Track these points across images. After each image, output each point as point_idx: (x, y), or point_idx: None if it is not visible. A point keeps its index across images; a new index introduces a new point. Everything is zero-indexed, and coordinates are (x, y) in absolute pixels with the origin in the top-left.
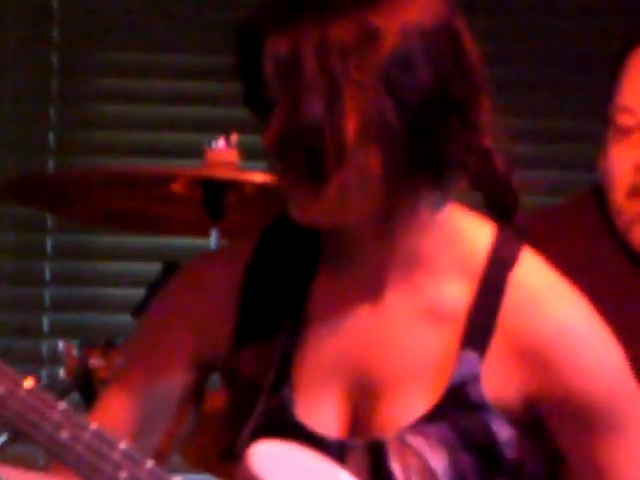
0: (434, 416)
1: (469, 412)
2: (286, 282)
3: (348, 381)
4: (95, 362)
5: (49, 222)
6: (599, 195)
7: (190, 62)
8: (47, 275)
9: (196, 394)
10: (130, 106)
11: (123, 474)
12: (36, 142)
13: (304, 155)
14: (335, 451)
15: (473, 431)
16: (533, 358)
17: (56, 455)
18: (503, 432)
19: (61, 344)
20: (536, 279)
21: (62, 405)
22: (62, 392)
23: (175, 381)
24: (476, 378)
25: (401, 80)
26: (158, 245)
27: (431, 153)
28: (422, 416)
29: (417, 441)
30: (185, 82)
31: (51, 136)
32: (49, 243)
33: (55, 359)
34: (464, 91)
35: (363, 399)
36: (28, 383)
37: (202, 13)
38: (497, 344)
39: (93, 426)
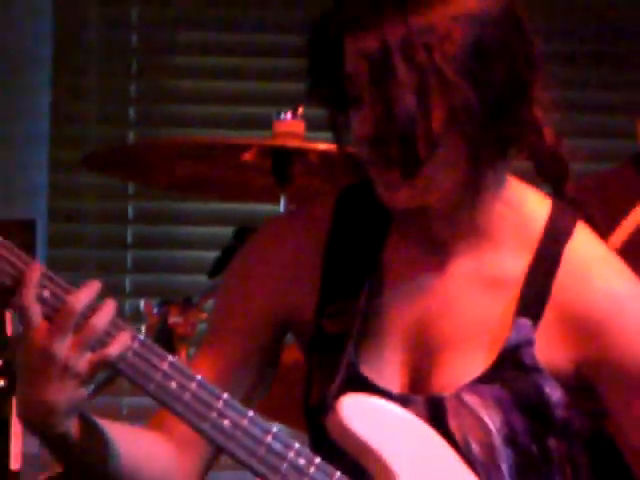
0: (490, 377)
1: (523, 374)
2: (363, 247)
3: (411, 340)
4: (174, 319)
5: (130, 190)
6: (639, 163)
7: (261, 41)
8: (129, 239)
9: (275, 354)
10: (205, 82)
11: (226, 421)
12: (117, 116)
13: (400, 146)
14: (397, 404)
15: (526, 392)
16: (587, 327)
17: (165, 403)
18: (554, 394)
19: (142, 303)
20: (589, 252)
21: (171, 357)
22: None
23: (257, 342)
24: (530, 343)
25: (479, 68)
26: (231, 210)
27: (502, 133)
28: (479, 376)
29: (473, 400)
30: (256, 59)
31: (131, 110)
32: (130, 209)
33: (137, 317)
34: (528, 72)
35: (423, 358)
36: (141, 337)
37: None
38: (551, 312)
39: (198, 377)
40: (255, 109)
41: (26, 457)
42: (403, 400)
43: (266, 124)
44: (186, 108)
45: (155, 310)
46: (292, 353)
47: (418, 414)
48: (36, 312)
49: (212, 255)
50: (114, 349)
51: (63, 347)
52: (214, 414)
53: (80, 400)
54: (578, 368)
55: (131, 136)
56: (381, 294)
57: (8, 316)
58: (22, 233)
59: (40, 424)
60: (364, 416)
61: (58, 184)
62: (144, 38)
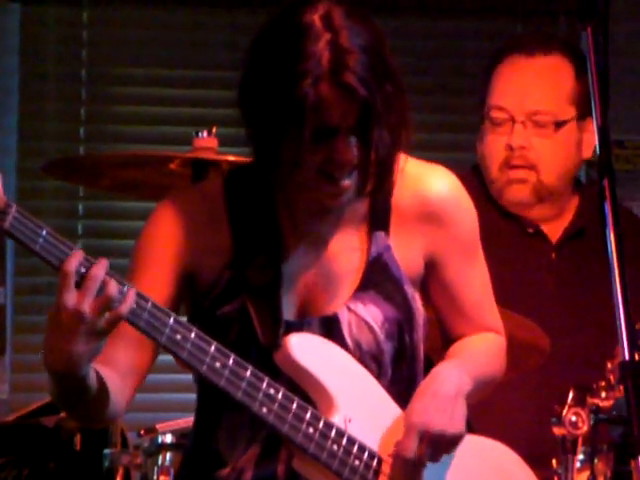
0: (365, 285)
1: (389, 278)
2: (259, 215)
3: (300, 281)
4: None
5: (81, 192)
6: (477, 172)
7: (186, 76)
8: (79, 231)
9: (178, 303)
10: (141, 107)
11: (178, 336)
12: (71, 134)
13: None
14: (296, 329)
15: (392, 292)
16: (426, 220)
17: (128, 320)
18: (410, 290)
19: None
20: (416, 167)
21: (128, 285)
22: None
23: (164, 293)
24: (388, 248)
25: (397, 92)
26: None
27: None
28: (357, 287)
29: (358, 307)
30: (181, 90)
31: (81, 130)
32: (81, 207)
33: None
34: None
35: (310, 291)
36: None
37: (198, 35)
38: (395, 220)
39: (152, 300)
40: (179, 129)
41: None
42: (300, 325)
43: (187, 141)
44: (125, 128)
45: None
46: None
47: (313, 334)
48: (73, 280)
49: None
50: (125, 307)
51: (89, 308)
52: (167, 329)
53: (98, 351)
54: (426, 255)
55: (81, 150)
56: (284, 250)
57: None
58: None
59: (65, 369)
60: (308, 351)
61: (24, 188)
62: (92, 72)
